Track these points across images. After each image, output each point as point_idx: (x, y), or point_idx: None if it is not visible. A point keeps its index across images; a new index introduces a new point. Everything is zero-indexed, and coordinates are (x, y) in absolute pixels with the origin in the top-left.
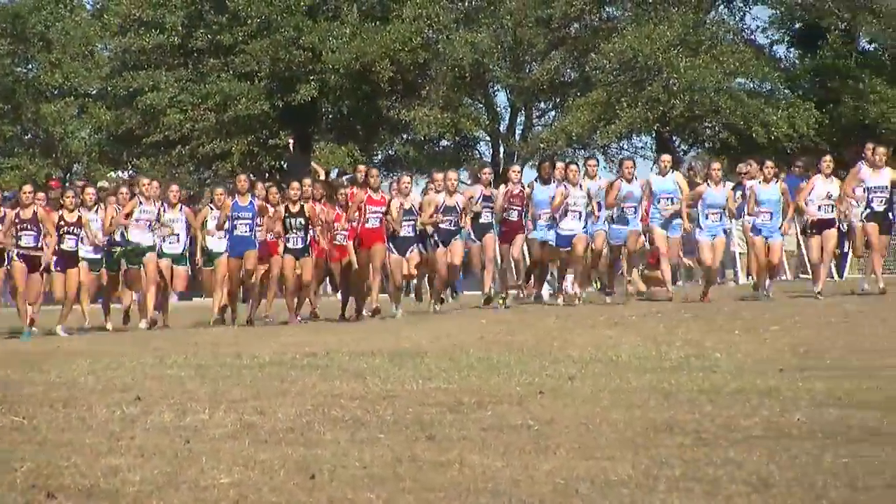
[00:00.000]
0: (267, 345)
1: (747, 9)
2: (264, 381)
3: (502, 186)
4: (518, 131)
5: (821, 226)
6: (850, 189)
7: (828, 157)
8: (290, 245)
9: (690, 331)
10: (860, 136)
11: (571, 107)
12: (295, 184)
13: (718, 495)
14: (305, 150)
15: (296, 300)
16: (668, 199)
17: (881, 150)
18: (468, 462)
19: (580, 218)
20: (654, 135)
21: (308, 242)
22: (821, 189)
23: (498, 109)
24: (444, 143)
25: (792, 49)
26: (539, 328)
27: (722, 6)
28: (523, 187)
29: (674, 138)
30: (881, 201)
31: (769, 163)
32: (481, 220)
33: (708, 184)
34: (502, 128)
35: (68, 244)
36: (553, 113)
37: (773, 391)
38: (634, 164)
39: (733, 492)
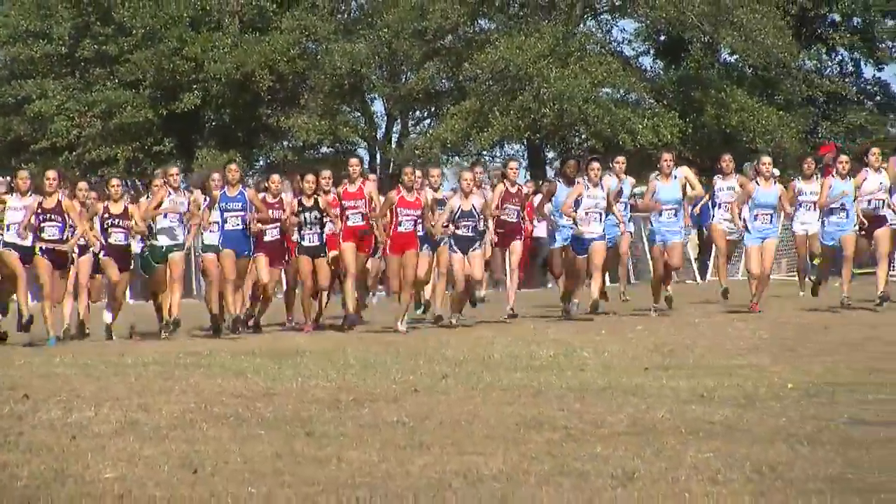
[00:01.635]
0: (151, 345)
1: (614, 22)
2: (148, 380)
3: (500, 186)
4: (394, 138)
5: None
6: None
7: (875, 151)
8: (305, 243)
9: (560, 331)
10: (721, 143)
11: (446, 115)
12: (310, 175)
13: (586, 489)
14: (189, 156)
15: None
16: (671, 209)
17: (844, 157)
18: (345, 457)
19: (599, 220)
20: (525, 142)
21: (324, 240)
22: (872, 183)
23: (375, 117)
24: (323, 149)
25: (657, 60)
26: (416, 329)
27: (590, 19)
28: (520, 186)
29: (544, 146)
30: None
31: (845, 158)
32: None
33: (756, 181)
34: (379, 135)
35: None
36: (428, 121)
37: (638, 389)
38: (674, 156)
39: (600, 485)
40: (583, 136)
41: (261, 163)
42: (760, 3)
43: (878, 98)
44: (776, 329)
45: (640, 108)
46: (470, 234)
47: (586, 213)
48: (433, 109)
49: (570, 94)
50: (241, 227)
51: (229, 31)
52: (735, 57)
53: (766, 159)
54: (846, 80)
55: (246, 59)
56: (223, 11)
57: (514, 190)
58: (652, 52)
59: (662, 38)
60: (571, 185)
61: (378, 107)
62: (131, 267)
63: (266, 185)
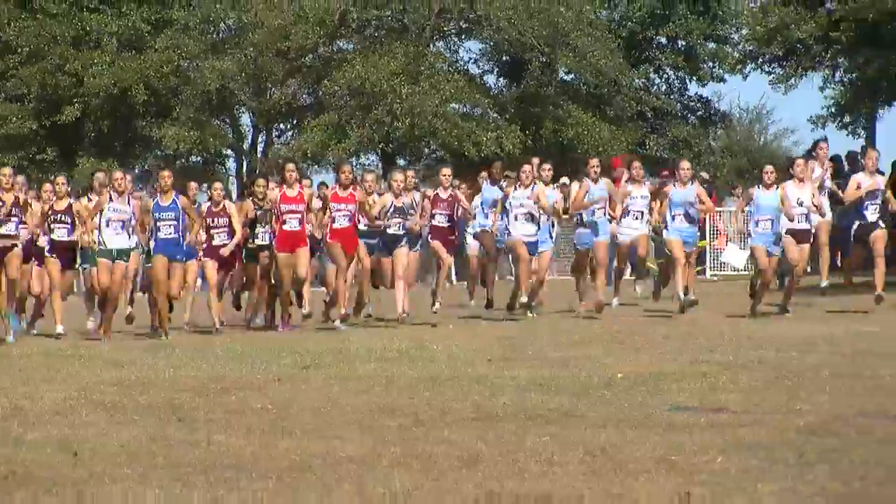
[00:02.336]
0: (37, 339)
1: (461, 43)
2: (33, 370)
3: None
4: (260, 148)
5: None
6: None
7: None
8: (261, 242)
9: (413, 326)
10: (559, 154)
11: (307, 127)
12: (260, 180)
13: (434, 470)
14: (70, 164)
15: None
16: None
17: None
18: (214, 441)
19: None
20: (379, 153)
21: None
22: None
23: (242, 129)
24: (193, 158)
25: (500, 79)
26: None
27: (439, 41)
28: (452, 192)
29: (397, 156)
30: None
31: (769, 168)
32: (391, 232)
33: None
34: (246, 145)
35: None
36: (291, 133)
37: (482, 378)
38: (599, 163)
39: (447, 467)
40: (432, 147)
41: (136, 170)
42: (593, 27)
43: (700, 113)
44: (608, 324)
45: (485, 122)
46: (400, 231)
47: (516, 217)
48: (295, 122)
49: (421, 109)
50: (174, 234)
51: (108, 49)
52: (571, 76)
53: (685, 164)
54: (671, 96)
55: (123, 75)
56: (102, 32)
57: (445, 196)
58: (495, 70)
59: (505, 58)
60: (495, 185)
61: (245, 119)
62: (76, 265)
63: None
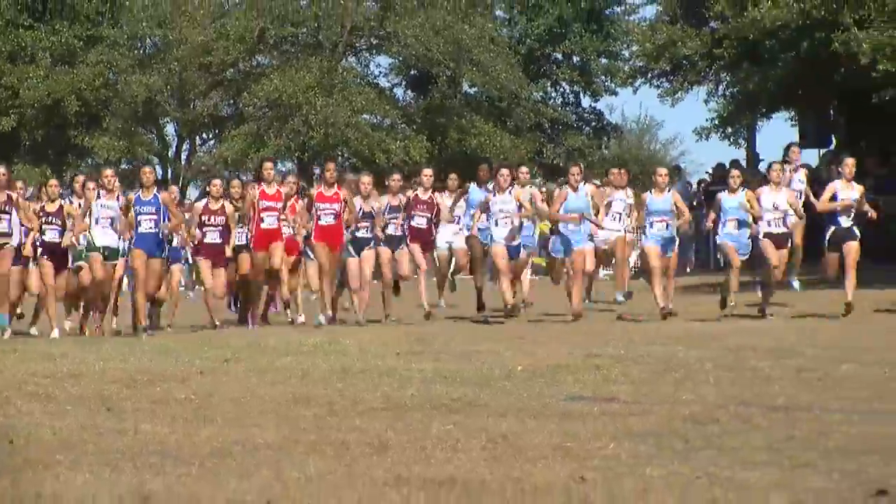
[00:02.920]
0: None
1: (372, 58)
2: None
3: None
4: (184, 156)
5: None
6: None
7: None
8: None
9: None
10: (463, 162)
11: (228, 137)
12: (235, 181)
13: (346, 456)
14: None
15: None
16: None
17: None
18: (141, 429)
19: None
20: (296, 160)
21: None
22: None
23: (167, 138)
24: (122, 165)
25: (408, 91)
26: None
27: (351, 56)
28: (432, 193)
29: (312, 163)
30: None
31: (735, 172)
32: (388, 232)
33: (650, 191)
34: (171, 153)
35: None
36: (213, 141)
37: (391, 371)
38: (581, 170)
39: (358, 453)
40: (345, 155)
41: (67, 177)
42: (495, 44)
43: (594, 124)
44: (510, 322)
45: (394, 132)
46: (368, 234)
47: (496, 223)
48: (217, 132)
49: (334, 120)
50: (153, 229)
51: (42, 63)
52: (474, 89)
53: (662, 170)
54: (567, 109)
55: (56, 87)
56: (36, 47)
57: (424, 197)
58: (403, 84)
59: (412, 72)
60: (481, 187)
61: (170, 129)
62: (69, 266)
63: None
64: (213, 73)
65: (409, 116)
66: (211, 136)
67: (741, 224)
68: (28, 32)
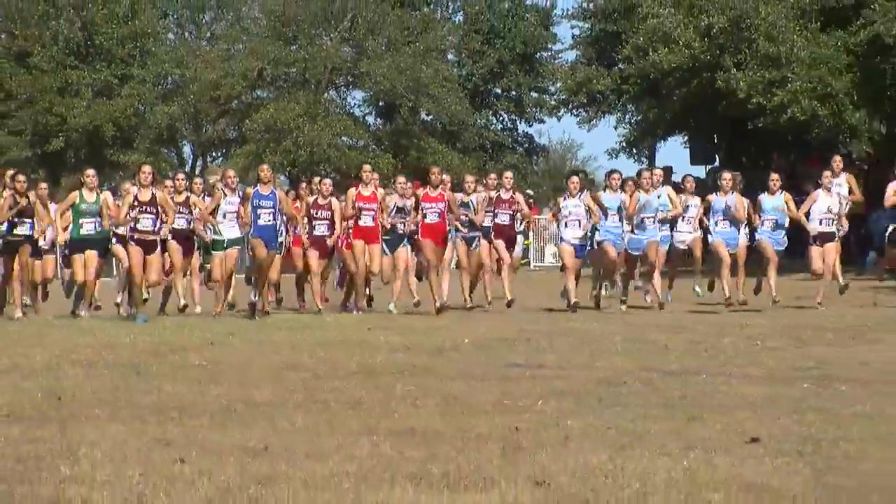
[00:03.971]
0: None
1: (349, 92)
2: (26, 337)
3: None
4: (198, 171)
5: (823, 238)
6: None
7: (828, 172)
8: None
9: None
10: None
11: (233, 155)
12: (327, 180)
13: (327, 411)
14: (56, 183)
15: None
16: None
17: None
18: (164, 389)
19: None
20: (288, 175)
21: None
22: (822, 203)
23: (184, 156)
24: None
25: (377, 118)
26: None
27: (332, 90)
28: (512, 195)
29: (301, 177)
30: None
31: (775, 176)
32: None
33: (716, 193)
34: (187, 168)
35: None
36: (221, 159)
37: (363, 342)
38: (621, 175)
39: (338, 409)
40: (327, 170)
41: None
42: (447, 81)
43: (526, 145)
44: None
45: (367, 151)
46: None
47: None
48: (224, 151)
49: (318, 142)
50: (272, 221)
51: (85, 96)
52: (430, 117)
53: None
54: (505, 133)
55: (96, 116)
56: (81, 84)
57: (506, 197)
58: (374, 112)
59: (381, 103)
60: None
61: (187, 149)
62: (195, 249)
63: (314, 187)
64: (222, 104)
65: (378, 139)
66: (220, 154)
67: (777, 225)
68: (74, 72)
